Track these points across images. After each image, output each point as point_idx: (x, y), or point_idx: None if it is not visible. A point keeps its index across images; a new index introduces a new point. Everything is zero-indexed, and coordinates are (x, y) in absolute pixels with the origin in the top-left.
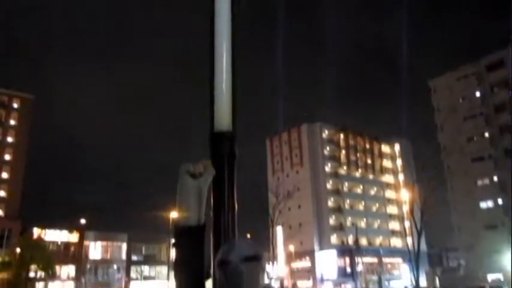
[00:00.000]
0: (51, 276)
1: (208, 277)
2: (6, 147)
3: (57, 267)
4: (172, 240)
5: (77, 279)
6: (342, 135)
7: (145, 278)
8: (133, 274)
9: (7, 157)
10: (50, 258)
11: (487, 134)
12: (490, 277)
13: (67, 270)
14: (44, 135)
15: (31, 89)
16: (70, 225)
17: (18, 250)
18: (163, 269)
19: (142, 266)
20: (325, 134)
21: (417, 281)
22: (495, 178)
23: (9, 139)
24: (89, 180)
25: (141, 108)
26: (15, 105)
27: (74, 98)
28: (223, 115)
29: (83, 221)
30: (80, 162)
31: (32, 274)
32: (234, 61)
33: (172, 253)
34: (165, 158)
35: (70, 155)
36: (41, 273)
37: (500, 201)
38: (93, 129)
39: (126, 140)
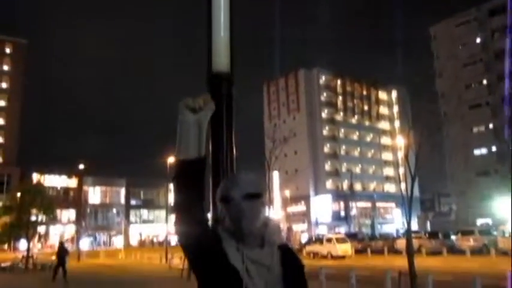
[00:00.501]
0: (52, 219)
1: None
2: (1, 93)
3: (58, 211)
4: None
5: (77, 222)
6: (339, 81)
7: (144, 221)
8: (132, 218)
9: (2, 103)
10: (50, 203)
11: (485, 81)
12: (480, 222)
13: (67, 215)
14: (42, 82)
15: (29, 38)
16: (69, 171)
17: (18, 195)
18: (162, 213)
19: (141, 210)
20: (323, 80)
21: (409, 225)
22: (491, 125)
23: (3, 85)
24: (88, 127)
25: (141, 53)
26: (8, 51)
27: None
28: (221, 56)
29: (81, 166)
30: (78, 109)
31: (33, 218)
32: (232, 2)
33: (171, 196)
34: (163, 103)
35: (68, 102)
36: (42, 217)
37: (494, 148)
38: (92, 76)
39: (125, 85)
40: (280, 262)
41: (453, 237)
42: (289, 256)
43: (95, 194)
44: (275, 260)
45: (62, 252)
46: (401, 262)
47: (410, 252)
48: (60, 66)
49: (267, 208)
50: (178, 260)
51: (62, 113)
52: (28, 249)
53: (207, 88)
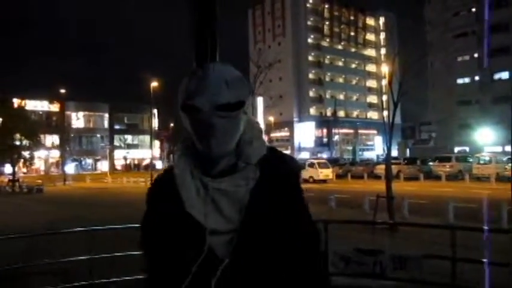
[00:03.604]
0: (36, 144)
1: None
2: None
3: (42, 136)
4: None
5: (61, 147)
6: (326, 6)
7: (129, 146)
8: (116, 142)
9: None
10: (33, 127)
11: (473, 9)
12: (457, 149)
13: (51, 139)
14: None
15: None
16: (50, 96)
17: (0, 120)
18: (146, 138)
19: (125, 135)
20: (310, 3)
21: (389, 151)
22: (475, 55)
23: None
24: (69, 49)
25: None
26: None
27: None
28: None
29: (63, 90)
30: (58, 32)
31: (17, 143)
32: None
33: (155, 122)
34: (146, 23)
35: (48, 22)
36: (25, 142)
37: (477, 77)
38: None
39: (109, 12)
40: (256, 191)
41: (431, 163)
42: (274, 183)
43: (78, 119)
44: (248, 187)
45: None
46: (380, 186)
47: (389, 177)
48: None
49: (249, 116)
50: None
51: (41, 34)
52: (14, 173)
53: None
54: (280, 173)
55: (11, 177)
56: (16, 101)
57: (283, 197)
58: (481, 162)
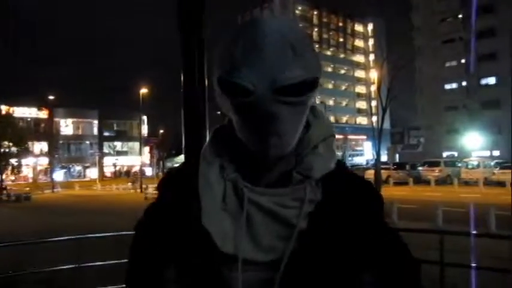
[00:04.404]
0: (24, 151)
1: None
2: None
3: (30, 143)
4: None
5: (50, 154)
6: (315, 12)
7: (118, 153)
8: (106, 149)
9: None
10: (20, 134)
11: (460, 16)
12: (445, 154)
13: (40, 147)
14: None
15: None
16: (38, 103)
17: None
18: (136, 145)
19: (115, 142)
20: (299, 10)
21: (378, 156)
22: (463, 61)
23: None
24: (57, 56)
25: None
26: None
27: None
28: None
29: (51, 97)
30: (47, 37)
31: (4, 150)
32: None
33: (144, 128)
34: (137, 30)
35: (36, 27)
36: (13, 149)
37: (464, 83)
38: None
39: (97, 16)
40: (317, 216)
41: (419, 168)
42: (347, 211)
43: (67, 126)
44: (303, 211)
45: None
46: None
47: (378, 182)
48: None
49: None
50: (153, 190)
51: (29, 40)
52: (1, 181)
53: (177, 18)
54: (357, 200)
55: None
56: (4, 108)
57: (361, 232)
58: (469, 166)
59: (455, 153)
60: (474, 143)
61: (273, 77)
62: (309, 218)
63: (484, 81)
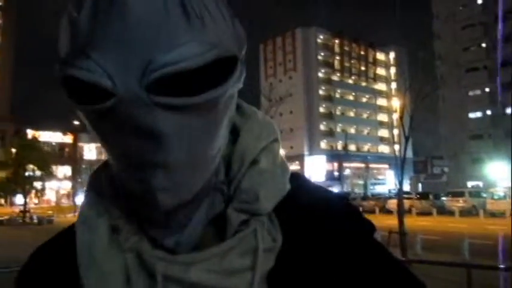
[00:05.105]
0: (48, 175)
1: None
2: None
3: (54, 167)
4: None
5: (73, 178)
6: (337, 41)
7: None
8: None
9: None
10: (45, 158)
11: (484, 44)
12: (470, 184)
13: (63, 171)
14: (34, 36)
15: None
16: (64, 127)
17: (13, 151)
18: None
19: None
20: (320, 39)
21: (401, 185)
22: (487, 89)
23: None
24: None
25: None
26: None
27: None
28: None
29: (76, 122)
30: None
31: (29, 173)
32: None
33: None
34: None
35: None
36: (38, 173)
37: (488, 112)
38: None
39: None
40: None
41: (443, 198)
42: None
43: (90, 151)
44: (262, 271)
45: None
46: (392, 221)
47: (401, 212)
48: (53, 18)
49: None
50: None
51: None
52: (25, 204)
53: None
54: (337, 234)
55: (22, 207)
56: (30, 132)
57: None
58: (495, 197)
59: (481, 183)
60: (500, 173)
61: (148, 60)
62: (270, 279)
63: (509, 110)
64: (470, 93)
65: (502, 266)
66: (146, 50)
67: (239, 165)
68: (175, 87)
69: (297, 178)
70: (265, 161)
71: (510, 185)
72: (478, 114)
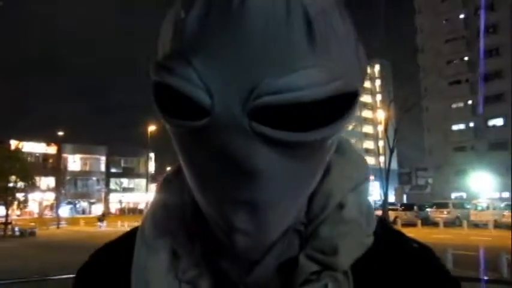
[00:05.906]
0: (31, 186)
1: None
2: None
3: (37, 178)
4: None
5: (56, 190)
6: None
7: (125, 189)
8: (112, 186)
9: None
10: (28, 169)
11: (466, 58)
12: (454, 195)
13: (47, 182)
14: (17, 44)
15: None
16: (47, 138)
17: None
18: (142, 182)
19: (121, 179)
20: None
21: (385, 197)
22: (469, 102)
23: None
24: (67, 92)
25: (123, 14)
26: None
27: (52, 5)
28: None
29: (60, 133)
30: (57, 73)
31: (11, 184)
32: None
33: (152, 166)
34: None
35: (46, 65)
36: (21, 184)
37: (471, 124)
38: (72, 37)
39: (106, 48)
40: None
41: (428, 209)
42: None
43: (74, 162)
44: None
45: None
46: None
47: None
48: (37, 26)
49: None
50: None
51: (40, 77)
52: (6, 216)
53: None
54: None
55: (3, 219)
56: (13, 143)
57: None
58: (479, 208)
59: (464, 195)
60: (483, 185)
61: (257, 81)
62: None
63: (491, 122)
64: (454, 105)
65: (484, 278)
66: (257, 69)
67: (322, 207)
68: (277, 117)
69: (381, 226)
70: (351, 207)
71: (510, 196)
72: (461, 126)
